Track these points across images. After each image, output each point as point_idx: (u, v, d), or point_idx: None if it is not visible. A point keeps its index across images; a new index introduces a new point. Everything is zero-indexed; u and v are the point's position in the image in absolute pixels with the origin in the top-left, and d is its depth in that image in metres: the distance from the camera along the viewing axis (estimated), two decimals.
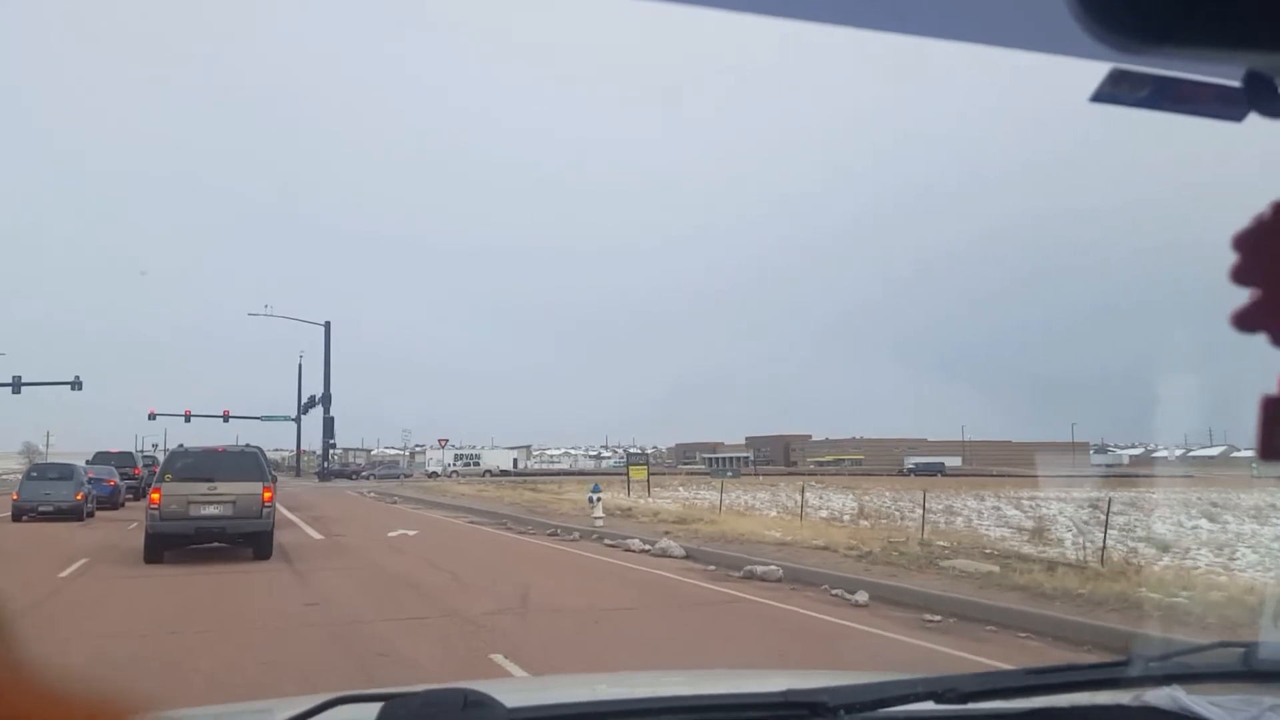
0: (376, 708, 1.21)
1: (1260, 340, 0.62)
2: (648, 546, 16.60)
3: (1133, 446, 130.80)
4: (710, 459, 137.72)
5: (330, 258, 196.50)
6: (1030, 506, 36.33)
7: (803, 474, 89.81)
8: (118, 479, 31.90)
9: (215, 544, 15.06)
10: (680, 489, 48.91)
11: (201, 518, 14.62)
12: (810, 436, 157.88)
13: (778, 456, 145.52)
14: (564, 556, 15.98)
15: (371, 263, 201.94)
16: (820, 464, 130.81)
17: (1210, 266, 0.69)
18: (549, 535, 20.60)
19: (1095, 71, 0.70)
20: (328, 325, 75.63)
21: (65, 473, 26.44)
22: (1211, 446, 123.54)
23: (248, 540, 15.14)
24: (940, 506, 37.62)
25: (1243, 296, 0.64)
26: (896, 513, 34.18)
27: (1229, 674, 1.52)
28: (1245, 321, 0.63)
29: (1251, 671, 1.48)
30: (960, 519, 30.22)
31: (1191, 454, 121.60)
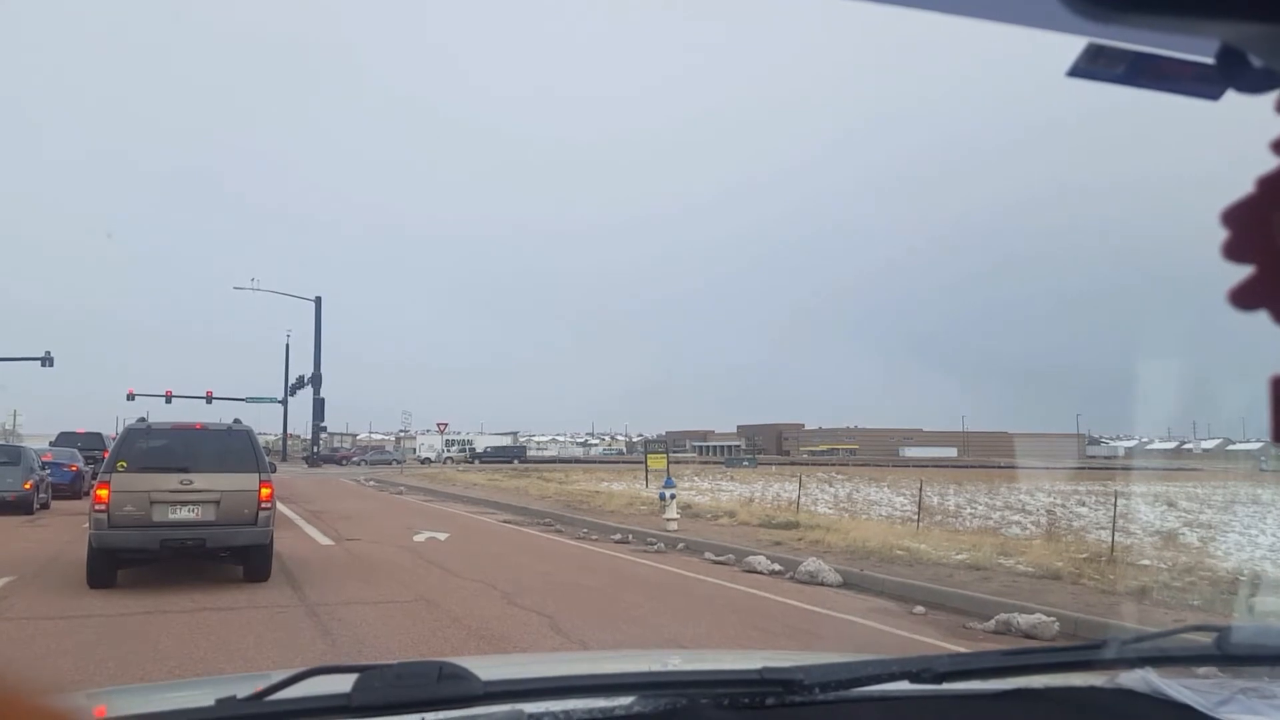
0: (352, 679, 1.16)
1: (1257, 321, 0.59)
2: (779, 568, 12.27)
3: (1122, 438, 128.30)
4: (700, 447, 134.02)
5: (308, 242, 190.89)
6: (1096, 502, 32.46)
7: (806, 464, 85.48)
8: (81, 463, 27.39)
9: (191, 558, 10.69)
10: (697, 479, 45.06)
11: (170, 524, 10.16)
12: (803, 426, 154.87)
13: (770, 446, 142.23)
14: (676, 582, 11.59)
15: (347, 247, 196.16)
16: (814, 454, 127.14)
17: (1212, 251, 0.63)
18: (618, 543, 16.23)
19: (1073, 46, 0.66)
20: (318, 300, 70.85)
21: (12, 456, 21.74)
22: (1207, 439, 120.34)
23: (237, 555, 10.74)
24: (995, 502, 33.77)
25: (1237, 274, 0.61)
26: (957, 509, 30.34)
27: (1202, 657, 1.48)
28: (1243, 299, 0.60)
29: (1224, 655, 1.44)
30: (1057, 522, 25.81)
31: (1185, 446, 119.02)
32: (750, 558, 12.79)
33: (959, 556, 12.85)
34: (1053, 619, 8.22)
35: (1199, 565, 13.22)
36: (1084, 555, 13.86)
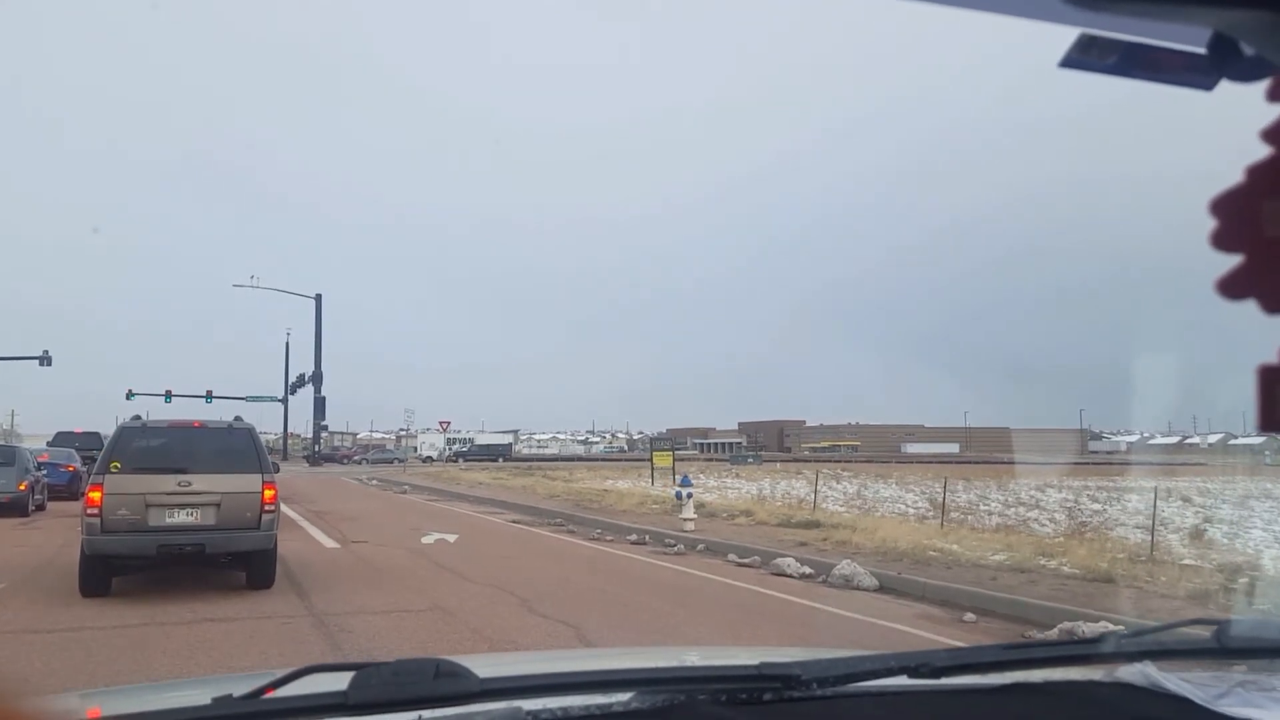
0: (348, 677, 1.15)
1: (1253, 314, 0.58)
2: (809, 571, 11.67)
3: (1123, 433, 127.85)
4: (702, 444, 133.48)
5: (309, 240, 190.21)
6: (1109, 498, 31.86)
7: (809, 461, 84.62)
8: (78, 464, 26.78)
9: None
10: (704, 476, 44.43)
11: (168, 528, 9.54)
12: (804, 422, 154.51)
13: (771, 443, 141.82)
14: (704, 587, 10.98)
15: (348, 246, 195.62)
16: (816, 450, 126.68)
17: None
18: (634, 544, 15.62)
19: (1067, 37, 0.66)
20: (318, 298, 70.25)
21: (6, 456, 21.09)
22: (1210, 433, 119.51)
23: (238, 561, 10.13)
24: (1008, 499, 33.08)
25: (1226, 263, 0.60)
26: (971, 506, 29.72)
27: (1201, 650, 1.47)
28: (1231, 288, 0.59)
29: (1223, 648, 1.42)
30: (1082, 519, 25.10)
31: (1188, 440, 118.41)
32: (778, 560, 12.18)
33: (996, 557, 12.24)
34: (1121, 627, 7.59)
35: (1247, 564, 12.65)
36: (1123, 555, 13.29)
